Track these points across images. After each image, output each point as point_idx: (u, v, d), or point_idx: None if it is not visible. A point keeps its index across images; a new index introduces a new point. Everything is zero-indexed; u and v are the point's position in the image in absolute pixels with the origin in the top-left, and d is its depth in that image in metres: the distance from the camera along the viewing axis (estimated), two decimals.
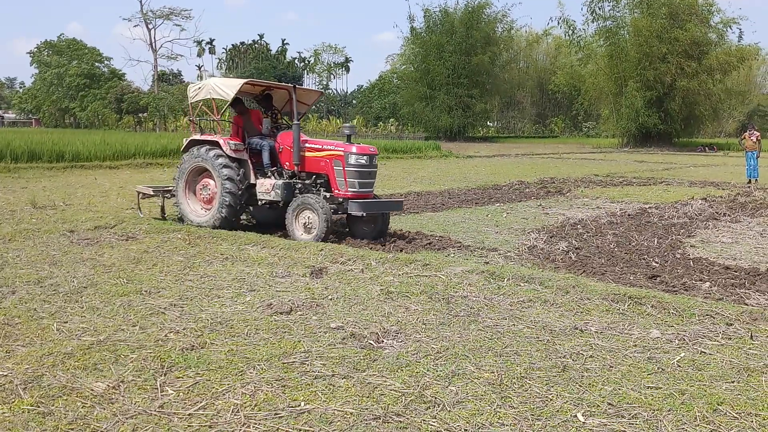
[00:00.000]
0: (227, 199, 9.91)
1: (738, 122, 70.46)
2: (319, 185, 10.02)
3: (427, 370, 4.48)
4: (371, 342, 5.01)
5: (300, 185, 10.01)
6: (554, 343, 5.11)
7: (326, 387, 4.18)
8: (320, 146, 10.05)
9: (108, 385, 4.14)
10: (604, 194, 17.00)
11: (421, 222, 11.92)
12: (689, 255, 9.03)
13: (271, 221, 10.90)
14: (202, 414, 3.81)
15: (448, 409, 3.89)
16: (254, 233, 9.50)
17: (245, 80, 10.59)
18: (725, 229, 11.56)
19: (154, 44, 72.12)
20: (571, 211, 13.62)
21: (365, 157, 9.67)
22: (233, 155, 10.12)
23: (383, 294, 6.39)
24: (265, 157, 10.37)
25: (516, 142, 61.38)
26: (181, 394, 4.07)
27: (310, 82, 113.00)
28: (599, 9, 52.11)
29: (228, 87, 10.38)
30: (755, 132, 22.82)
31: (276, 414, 3.81)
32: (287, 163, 10.23)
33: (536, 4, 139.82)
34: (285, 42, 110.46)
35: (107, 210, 12.07)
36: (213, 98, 10.58)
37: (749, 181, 21.75)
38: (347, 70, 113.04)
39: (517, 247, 9.59)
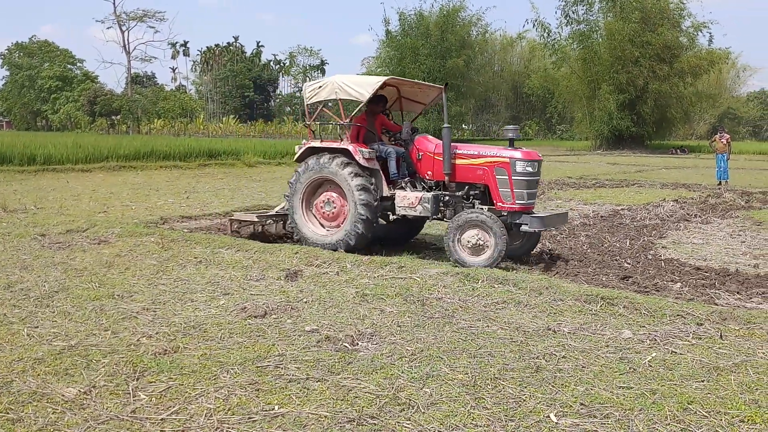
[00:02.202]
0: (363, 213, 8.61)
1: (709, 125, 71.53)
2: (472, 197, 8.81)
3: (402, 372, 4.49)
4: (346, 345, 5.02)
5: (447, 197, 8.86)
6: (527, 343, 5.15)
7: (300, 390, 4.17)
8: (476, 152, 8.70)
9: (79, 391, 4.10)
10: (577, 196, 17.15)
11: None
12: (661, 256, 9.14)
13: (394, 236, 9.95)
14: (175, 419, 3.78)
15: (423, 410, 3.91)
16: (228, 236, 9.45)
17: (386, 78, 9.25)
18: (696, 230, 11.72)
19: (127, 46, 71.46)
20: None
21: (533, 164, 8.42)
22: (365, 164, 8.79)
23: (358, 296, 6.39)
24: (393, 166, 9.12)
25: (491, 144, 61.67)
26: (153, 399, 4.03)
27: (285, 84, 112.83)
28: (573, 13, 52.58)
29: (361, 86, 9.02)
30: (725, 134, 23.17)
31: (250, 418, 3.79)
32: (429, 173, 8.97)
33: (510, 9, 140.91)
34: (260, 44, 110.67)
35: (79, 213, 11.92)
36: (340, 99, 9.14)
37: (719, 183, 22.06)
38: (323, 72, 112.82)
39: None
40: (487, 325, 5.60)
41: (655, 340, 5.26)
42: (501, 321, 5.73)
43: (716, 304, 6.47)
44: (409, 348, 4.99)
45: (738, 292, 7.06)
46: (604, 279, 7.63)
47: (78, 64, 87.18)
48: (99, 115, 69.54)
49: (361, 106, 9.08)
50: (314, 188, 9.19)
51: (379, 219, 9.23)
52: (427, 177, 9.02)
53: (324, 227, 9.15)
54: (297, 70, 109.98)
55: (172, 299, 6.26)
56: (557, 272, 8.00)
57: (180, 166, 24.83)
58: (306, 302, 6.19)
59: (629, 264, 8.60)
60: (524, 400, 4.08)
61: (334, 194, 9.00)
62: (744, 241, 10.54)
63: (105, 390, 4.15)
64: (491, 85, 69.89)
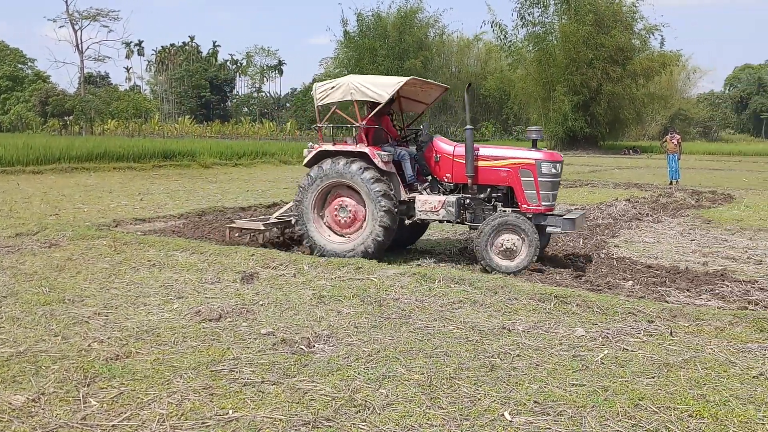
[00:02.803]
0: (385, 219, 8.33)
1: (660, 126, 72.96)
2: (494, 200, 8.68)
3: (358, 374, 4.49)
4: (302, 347, 4.99)
5: (468, 200, 8.70)
6: (483, 343, 5.19)
7: (255, 394, 4.14)
8: (499, 154, 8.63)
9: (27, 398, 4.00)
10: None
11: None
12: (613, 254, 9.31)
13: (395, 240, 9.23)
14: (127, 425, 3.72)
15: (378, 411, 3.91)
16: (182, 239, 9.33)
17: (407, 78, 8.84)
18: (647, 229, 11.96)
19: (80, 46, 69.91)
20: None
21: (557, 165, 8.43)
22: (384, 168, 8.51)
23: (315, 298, 6.37)
24: (408, 169, 8.88)
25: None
26: (104, 405, 3.96)
27: (242, 84, 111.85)
28: (529, 15, 53.22)
29: (380, 87, 8.68)
30: (676, 135, 23.69)
31: (203, 423, 3.75)
32: (448, 175, 8.77)
33: (467, 11, 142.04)
34: (216, 44, 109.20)
35: (29, 216, 11.63)
36: (356, 100, 8.84)
37: (671, 183, 22.56)
38: (280, 73, 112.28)
39: (448, 249, 9.70)
40: (444, 325, 5.64)
41: (608, 337, 5.35)
42: (457, 320, 5.77)
43: (667, 302, 6.62)
44: (365, 349, 4.99)
45: (688, 290, 7.22)
46: (558, 278, 7.73)
47: (29, 64, 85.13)
48: (51, 115, 67.96)
49: (380, 107, 8.78)
50: (324, 194, 8.81)
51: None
52: (446, 180, 8.83)
53: (336, 234, 8.81)
54: (254, 71, 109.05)
55: (124, 303, 6.16)
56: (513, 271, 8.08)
57: (134, 168, 24.41)
58: (262, 305, 6.14)
59: (582, 263, 8.74)
60: (479, 399, 4.12)
61: (349, 200, 8.65)
62: (694, 240, 10.80)
63: (54, 397, 4.06)
64: (449, 86, 70.27)
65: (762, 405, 4.11)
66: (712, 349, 5.13)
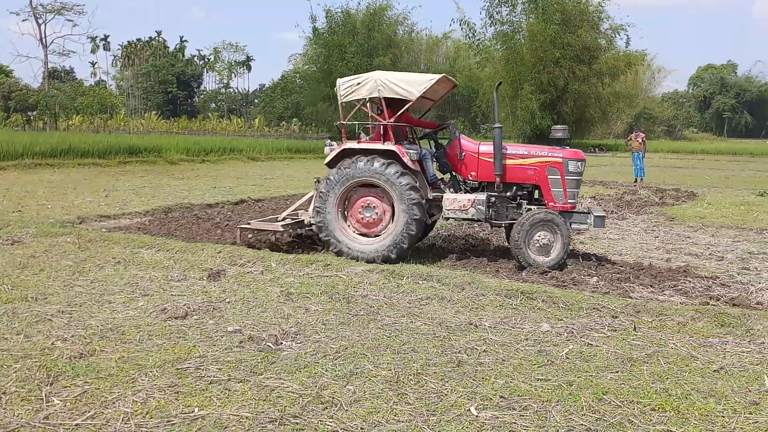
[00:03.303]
0: (417, 213, 8.18)
1: (625, 124, 74.01)
2: (519, 198, 8.72)
3: (326, 371, 4.49)
4: (269, 344, 4.97)
5: (494, 199, 8.67)
6: (450, 338, 5.23)
7: (221, 392, 4.11)
8: (526, 152, 8.65)
9: None
10: None
11: None
12: (578, 251, 9.42)
13: None
14: (90, 424, 3.67)
15: (346, 408, 3.91)
16: (148, 236, 9.22)
17: (439, 76, 8.64)
18: (612, 226, 12.13)
19: (44, 40, 68.63)
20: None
21: (582, 163, 8.61)
22: (411, 166, 8.38)
23: (283, 295, 6.35)
24: (430, 167, 8.84)
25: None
26: (68, 404, 3.91)
27: (210, 80, 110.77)
28: (497, 13, 53.54)
29: (410, 84, 8.48)
30: (641, 133, 24.04)
31: (169, 421, 3.72)
32: (473, 173, 8.73)
33: (436, 9, 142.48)
34: (183, 39, 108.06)
35: None
36: (384, 97, 8.54)
37: (635, 181, 22.89)
38: (249, 68, 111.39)
39: (417, 246, 9.72)
40: (411, 321, 5.66)
41: (573, 332, 5.42)
42: (425, 317, 5.79)
43: (630, 297, 6.72)
44: (333, 346, 4.99)
45: (651, 286, 7.34)
46: (524, 274, 7.80)
47: None
48: (14, 110, 66.60)
49: (409, 105, 8.61)
50: (347, 194, 8.54)
51: None
52: (470, 178, 8.79)
53: (360, 234, 8.54)
54: (222, 66, 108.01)
55: (88, 301, 6.07)
56: (479, 268, 8.13)
57: (99, 164, 24.05)
58: (229, 302, 6.10)
59: (485, 258, 8.78)
60: (446, 395, 4.14)
61: (373, 199, 8.45)
62: (657, 236, 10.97)
63: (16, 396, 3.99)
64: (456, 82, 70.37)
65: (722, 398, 4.20)
66: (674, 343, 5.22)
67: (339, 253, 8.33)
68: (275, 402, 3.98)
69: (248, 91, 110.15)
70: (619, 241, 10.52)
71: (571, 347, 5.08)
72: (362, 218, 8.49)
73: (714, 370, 4.68)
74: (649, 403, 4.10)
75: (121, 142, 27.69)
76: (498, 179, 8.58)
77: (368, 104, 8.85)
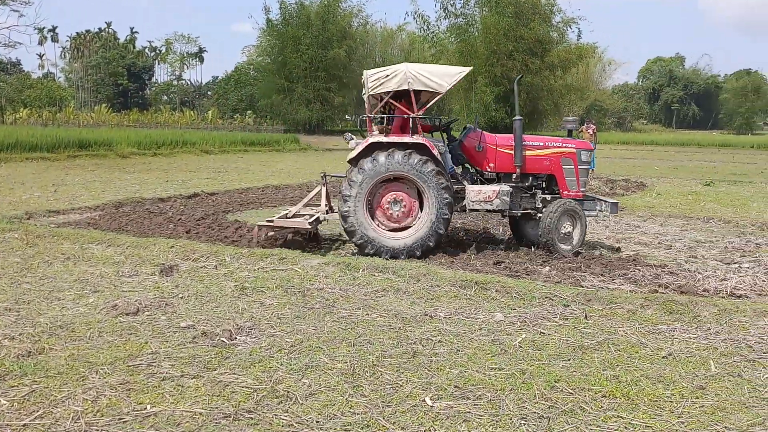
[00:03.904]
0: (447, 212, 8.21)
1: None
2: (534, 187, 8.95)
3: (281, 365, 4.46)
4: (223, 339, 4.92)
5: (511, 189, 8.79)
6: (405, 330, 5.25)
7: (174, 388, 4.06)
8: (542, 143, 8.89)
9: None
10: None
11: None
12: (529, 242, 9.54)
13: None
14: (39, 424, 3.59)
15: (301, 401, 3.90)
16: (98, 231, 9.04)
17: (468, 69, 8.72)
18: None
19: None
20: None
21: (590, 153, 9.06)
22: (439, 160, 8.38)
23: (237, 290, 6.29)
24: (449, 160, 8.86)
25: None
26: (15, 403, 3.81)
27: (161, 72, 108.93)
28: (451, 6, 53.73)
29: (441, 76, 8.41)
30: (591, 125, 24.45)
31: (120, 419, 3.65)
32: (491, 165, 8.85)
33: (390, 1, 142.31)
34: (134, 30, 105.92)
35: None
36: (413, 89, 8.41)
37: None
38: (201, 60, 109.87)
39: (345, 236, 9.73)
40: (367, 314, 5.66)
41: (525, 321, 5.50)
42: (380, 309, 5.80)
43: (582, 286, 6.84)
44: (288, 340, 4.96)
45: (602, 275, 7.48)
46: (478, 264, 7.87)
47: None
48: None
49: (439, 97, 8.62)
50: (374, 188, 8.39)
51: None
52: (488, 169, 8.89)
53: (387, 229, 8.42)
54: (174, 58, 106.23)
55: (37, 298, 5.92)
56: (435, 259, 8.17)
57: (48, 158, 23.47)
58: (182, 297, 6.02)
59: (502, 249, 8.93)
60: (401, 386, 4.16)
61: (402, 193, 8.38)
62: (608, 226, 11.19)
63: None
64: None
65: (670, 384, 4.30)
66: (624, 331, 5.33)
67: (363, 246, 8.23)
68: (229, 397, 3.94)
69: (201, 83, 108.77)
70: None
71: (523, 336, 5.15)
72: (390, 212, 8.41)
73: (663, 357, 4.80)
74: (600, 390, 4.18)
75: (70, 136, 27.04)
76: (518, 170, 8.77)
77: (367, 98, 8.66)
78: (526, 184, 8.92)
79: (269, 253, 7.63)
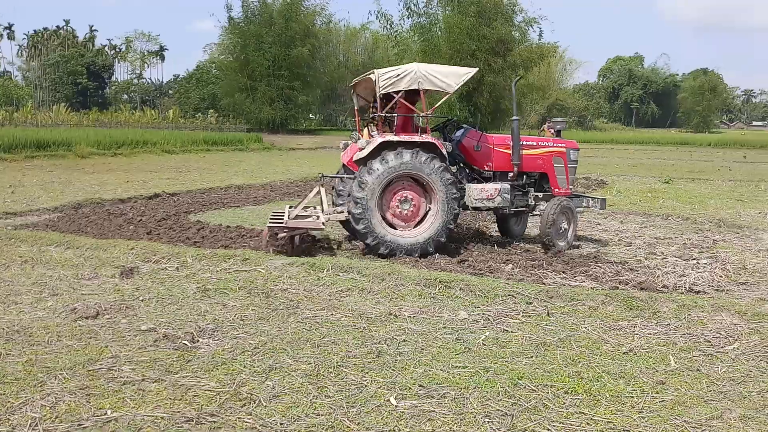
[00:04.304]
0: (456, 207, 8.32)
1: (539, 115, 75.87)
2: (527, 185, 9.26)
3: (244, 367, 4.42)
4: (185, 342, 4.86)
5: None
6: (370, 330, 5.24)
7: (135, 392, 4.00)
8: (536, 143, 9.25)
9: None
10: None
11: (242, 216, 11.72)
12: (494, 240, 9.62)
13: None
14: None
15: (264, 404, 3.87)
16: (56, 233, 8.86)
17: (475, 70, 8.89)
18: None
19: None
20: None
21: (578, 152, 9.47)
22: (446, 158, 8.47)
23: (200, 292, 6.22)
24: (449, 159, 8.86)
25: (338, 134, 62.11)
26: None
27: (122, 70, 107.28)
28: (414, 5, 53.85)
29: (449, 76, 8.52)
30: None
31: (80, 425, 3.59)
32: (489, 163, 9.04)
33: (353, 0, 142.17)
34: (93, 28, 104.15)
35: None
36: (423, 89, 8.46)
37: None
38: (162, 58, 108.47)
39: (338, 238, 9.71)
40: (332, 314, 5.64)
41: (489, 319, 5.54)
42: (345, 309, 5.79)
43: (544, 284, 6.91)
44: (252, 342, 4.92)
45: (563, 272, 7.57)
46: (442, 263, 7.90)
47: None
48: None
49: (447, 97, 8.76)
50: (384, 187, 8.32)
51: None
52: (486, 168, 9.09)
53: (397, 228, 8.42)
54: (134, 56, 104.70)
55: None
56: (400, 258, 8.17)
57: (4, 159, 22.92)
58: (143, 300, 5.93)
59: (465, 247, 8.97)
60: (366, 386, 4.16)
61: (410, 193, 8.41)
62: None
63: None
64: (337, 75, 70.20)
65: (631, 379, 4.37)
66: (586, 327, 5.40)
67: (375, 246, 8.19)
68: (191, 401, 3.89)
69: (162, 81, 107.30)
70: (533, 229, 10.77)
71: (487, 334, 5.18)
72: (400, 211, 8.42)
73: (623, 353, 4.87)
74: (562, 386, 4.23)
75: (27, 136, 26.43)
76: (515, 168, 9.02)
77: (377, 97, 8.66)
78: (521, 182, 9.20)
79: (232, 254, 7.56)
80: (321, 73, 65.91)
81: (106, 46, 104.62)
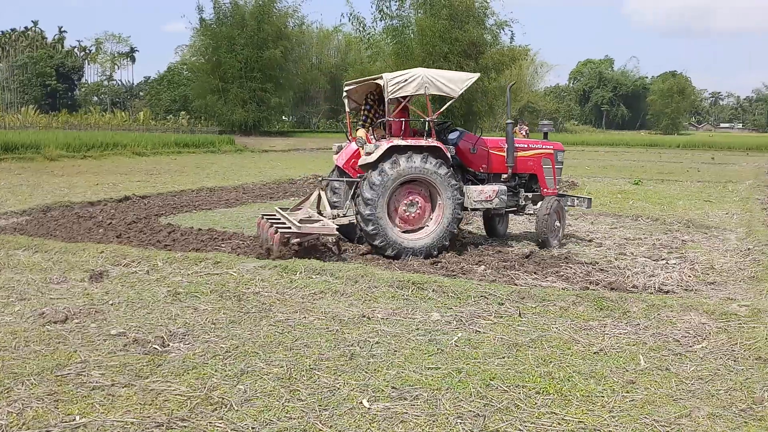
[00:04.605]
0: (458, 211, 8.57)
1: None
2: (517, 186, 9.58)
3: (215, 371, 4.39)
4: (156, 347, 4.81)
5: None
6: (343, 332, 5.23)
7: (105, 398, 3.95)
8: (526, 145, 9.65)
9: None
10: None
11: (214, 219, 11.64)
12: (466, 241, 9.66)
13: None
14: None
15: (236, 408, 3.85)
16: (24, 237, 8.71)
17: (477, 75, 9.40)
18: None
19: None
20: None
21: (563, 154, 9.90)
22: (450, 161, 8.72)
23: (170, 295, 6.16)
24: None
25: (311, 136, 61.95)
26: None
27: (91, 72, 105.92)
28: (387, 8, 53.89)
29: (453, 82, 8.81)
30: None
31: (48, 431, 3.53)
32: (484, 166, 9.29)
33: (326, 2, 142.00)
34: (62, 30, 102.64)
35: None
36: (429, 94, 8.62)
37: None
38: (133, 60, 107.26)
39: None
40: (304, 317, 5.62)
41: (461, 320, 5.56)
42: (318, 311, 5.77)
43: (516, 284, 6.95)
44: (223, 345, 4.89)
45: (535, 273, 7.63)
46: (416, 264, 7.91)
47: None
48: None
49: (451, 101, 8.99)
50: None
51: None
52: (482, 170, 9.33)
53: (402, 231, 8.53)
54: (104, 58, 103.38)
55: None
56: (373, 260, 8.18)
57: None
58: (112, 304, 5.86)
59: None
60: (338, 389, 4.15)
61: (418, 196, 8.56)
62: None
63: None
64: (309, 77, 70.07)
65: (602, 379, 4.42)
66: (557, 328, 5.45)
67: (383, 248, 8.27)
68: (162, 406, 3.85)
69: (133, 83, 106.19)
70: (513, 228, 10.85)
71: (460, 335, 5.20)
72: (407, 214, 8.56)
73: (594, 352, 4.92)
74: (534, 387, 4.26)
75: None
76: (510, 170, 9.33)
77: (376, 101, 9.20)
78: (513, 183, 9.50)
79: (203, 257, 7.50)
80: (294, 75, 65.70)
81: (75, 47, 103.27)
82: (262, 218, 8.82)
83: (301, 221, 8.23)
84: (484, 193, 8.96)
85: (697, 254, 8.87)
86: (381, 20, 54.66)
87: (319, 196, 9.07)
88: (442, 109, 8.96)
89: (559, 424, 3.77)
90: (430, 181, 8.42)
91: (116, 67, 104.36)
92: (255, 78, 58.30)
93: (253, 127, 59.18)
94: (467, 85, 8.84)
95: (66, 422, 3.63)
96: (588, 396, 4.15)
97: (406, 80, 8.51)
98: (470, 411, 3.89)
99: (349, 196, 8.95)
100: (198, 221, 11.16)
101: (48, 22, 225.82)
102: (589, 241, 9.91)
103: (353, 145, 9.08)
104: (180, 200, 13.97)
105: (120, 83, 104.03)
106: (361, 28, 56.13)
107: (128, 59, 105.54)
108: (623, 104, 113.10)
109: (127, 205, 13.08)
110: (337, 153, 9.43)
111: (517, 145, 9.43)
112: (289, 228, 7.93)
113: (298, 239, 7.86)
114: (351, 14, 56.48)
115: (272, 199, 14.76)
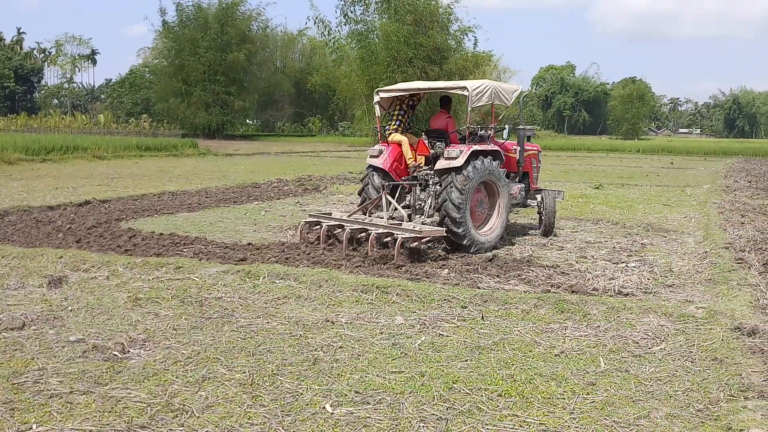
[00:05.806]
0: (510, 209, 9.73)
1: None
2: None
3: (176, 377, 4.34)
4: (116, 353, 4.75)
5: None
6: (306, 337, 5.22)
7: (63, 405, 3.88)
8: (525, 147, 10.83)
9: None
10: (356, 190, 17.63)
11: (176, 223, 11.50)
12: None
13: None
14: None
15: (197, 415, 3.81)
16: None
17: (520, 86, 10.38)
18: None
19: None
20: (327, 208, 13.97)
21: (541, 154, 11.47)
22: None
23: (131, 301, 6.08)
24: None
25: (275, 140, 61.62)
26: None
27: (51, 74, 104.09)
28: (351, 12, 53.88)
29: (508, 92, 9.86)
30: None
31: None
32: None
33: (290, 6, 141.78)
34: (21, 31, 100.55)
35: None
36: (494, 104, 9.72)
37: None
38: (94, 62, 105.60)
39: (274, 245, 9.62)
40: (267, 322, 5.60)
41: (425, 324, 5.58)
42: (281, 316, 5.75)
43: (479, 288, 7.00)
44: (184, 351, 4.84)
45: (498, 276, 7.69)
46: (379, 269, 7.91)
47: None
48: None
49: (506, 110, 10.53)
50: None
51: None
52: None
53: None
54: (65, 60, 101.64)
55: None
56: (339, 264, 8.15)
57: None
58: (71, 310, 5.76)
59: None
60: (301, 394, 4.14)
61: (481, 195, 9.33)
62: None
63: None
64: (274, 80, 69.74)
65: (563, 381, 4.47)
66: (519, 330, 5.50)
67: (469, 246, 8.94)
68: (121, 413, 3.80)
69: (94, 86, 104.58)
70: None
71: (423, 338, 5.23)
72: (478, 213, 9.30)
73: (555, 355, 4.98)
74: (496, 389, 4.29)
75: None
76: (519, 169, 10.69)
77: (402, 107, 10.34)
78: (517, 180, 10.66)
79: (164, 262, 7.41)
80: (258, 79, 65.36)
81: (35, 49, 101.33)
82: (319, 225, 9.26)
83: (391, 225, 8.67)
84: (512, 191, 9.99)
85: (656, 257, 9.03)
86: (346, 24, 54.65)
87: (387, 200, 9.36)
88: (500, 117, 10.70)
89: (520, 426, 3.81)
90: (493, 181, 9.33)
91: (77, 69, 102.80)
92: (218, 81, 57.89)
93: (217, 131, 58.72)
94: (515, 95, 10.00)
95: (22, 431, 3.56)
96: (549, 398, 4.19)
97: (482, 91, 9.26)
98: (433, 414, 3.91)
99: (393, 198, 9.50)
100: (160, 226, 11.02)
101: (6, 23, 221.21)
102: (551, 244, 10.02)
103: (394, 149, 9.80)
104: (141, 204, 13.77)
105: (81, 86, 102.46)
106: (326, 32, 56.05)
107: (89, 61, 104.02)
108: (585, 110, 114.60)
109: (88, 209, 12.85)
110: (377, 156, 9.79)
111: (518, 148, 10.63)
112: (391, 233, 8.42)
113: (416, 243, 8.32)
114: (316, 18, 56.32)
115: (235, 203, 14.63)
